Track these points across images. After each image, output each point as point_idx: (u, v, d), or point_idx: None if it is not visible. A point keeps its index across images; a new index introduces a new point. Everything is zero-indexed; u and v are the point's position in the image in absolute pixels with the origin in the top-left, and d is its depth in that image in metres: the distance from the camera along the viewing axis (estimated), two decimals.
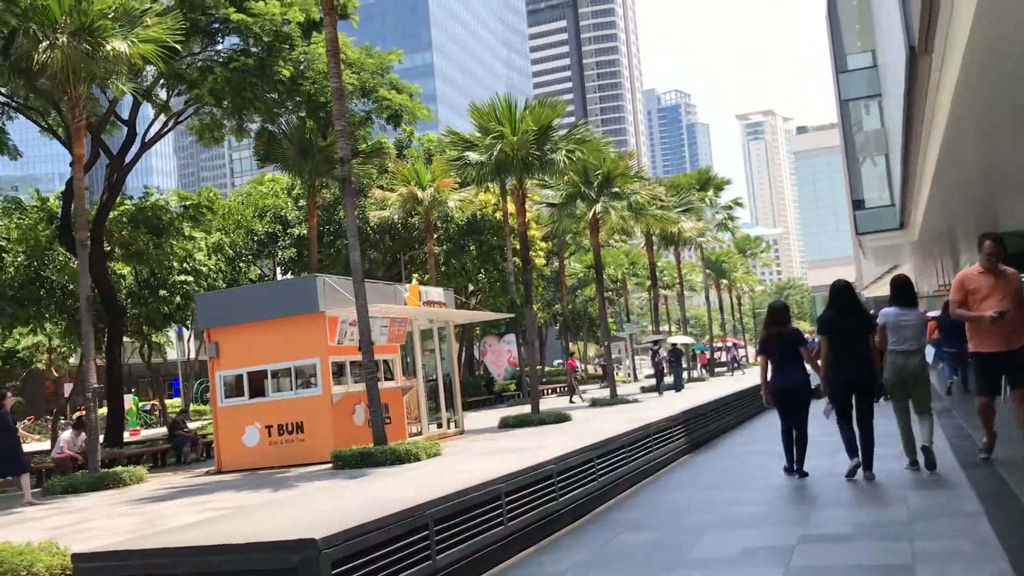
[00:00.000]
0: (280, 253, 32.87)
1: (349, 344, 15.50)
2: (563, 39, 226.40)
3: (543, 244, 41.77)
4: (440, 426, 18.94)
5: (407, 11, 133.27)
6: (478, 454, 11.46)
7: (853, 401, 8.42)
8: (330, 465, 13.99)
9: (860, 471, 8.36)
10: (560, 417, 19.92)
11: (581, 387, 45.91)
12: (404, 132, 34.71)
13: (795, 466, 8.87)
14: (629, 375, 60.24)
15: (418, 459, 13.30)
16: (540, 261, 41.55)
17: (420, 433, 17.88)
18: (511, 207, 34.14)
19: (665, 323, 72.63)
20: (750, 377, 33.19)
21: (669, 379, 33.27)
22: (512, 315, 28.49)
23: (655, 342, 39.77)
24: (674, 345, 36.07)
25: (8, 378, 41.78)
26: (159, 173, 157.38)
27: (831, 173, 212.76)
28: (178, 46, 16.58)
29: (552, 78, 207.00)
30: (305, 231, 33.44)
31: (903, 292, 8.76)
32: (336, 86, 14.20)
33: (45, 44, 14.62)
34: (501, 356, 52.42)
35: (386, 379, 17.55)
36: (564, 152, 20.45)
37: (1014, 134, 12.62)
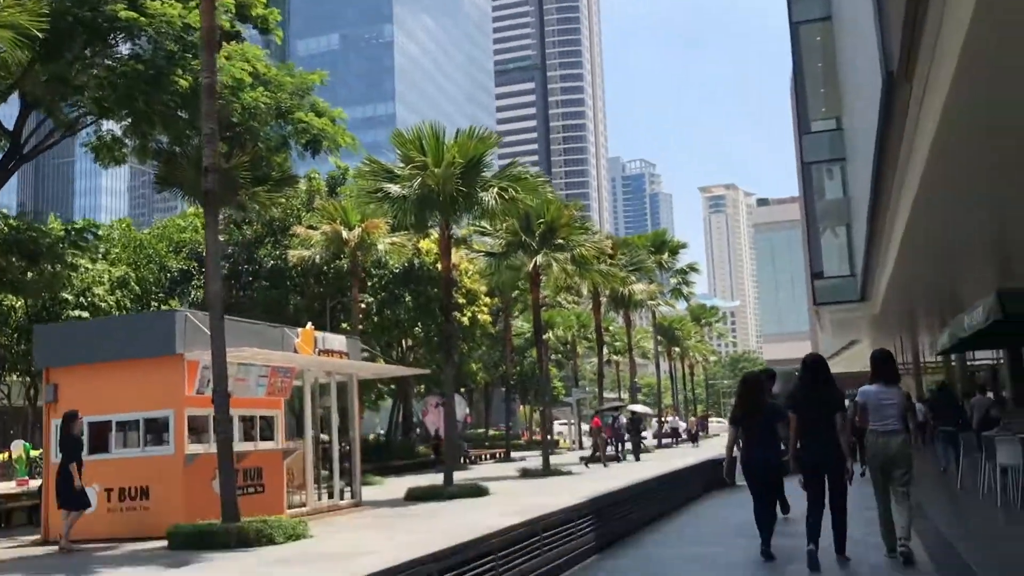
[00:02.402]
0: (194, 292, 30.05)
1: (211, 393, 12.85)
2: (531, 101, 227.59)
3: (488, 300, 39.41)
4: (332, 497, 16.22)
5: (373, 60, 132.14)
6: (313, 556, 8.70)
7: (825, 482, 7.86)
8: (166, 544, 11.26)
9: (834, 554, 7.75)
10: (477, 491, 17.33)
11: (520, 454, 43.31)
12: (339, 169, 32.45)
13: (765, 545, 8.30)
14: (575, 443, 57.57)
15: (272, 541, 10.65)
16: (485, 318, 39.11)
17: (304, 504, 15.17)
18: (452, 254, 31.95)
19: (614, 390, 70.39)
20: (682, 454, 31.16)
21: (611, 449, 31.42)
22: (428, 371, 25.97)
23: (615, 408, 38.04)
24: (633, 413, 34.51)
25: None
26: (108, 212, 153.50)
27: (790, 247, 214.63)
28: (40, 34, 14.09)
29: (517, 139, 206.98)
30: (224, 269, 30.81)
31: (885, 368, 8.09)
32: (207, 82, 11.84)
33: None
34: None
35: (263, 439, 14.90)
36: (496, 190, 18.20)
37: (994, 181, 10.90)
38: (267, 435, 15.02)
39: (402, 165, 18.55)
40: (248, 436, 14.63)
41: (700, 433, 54.63)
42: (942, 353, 19.23)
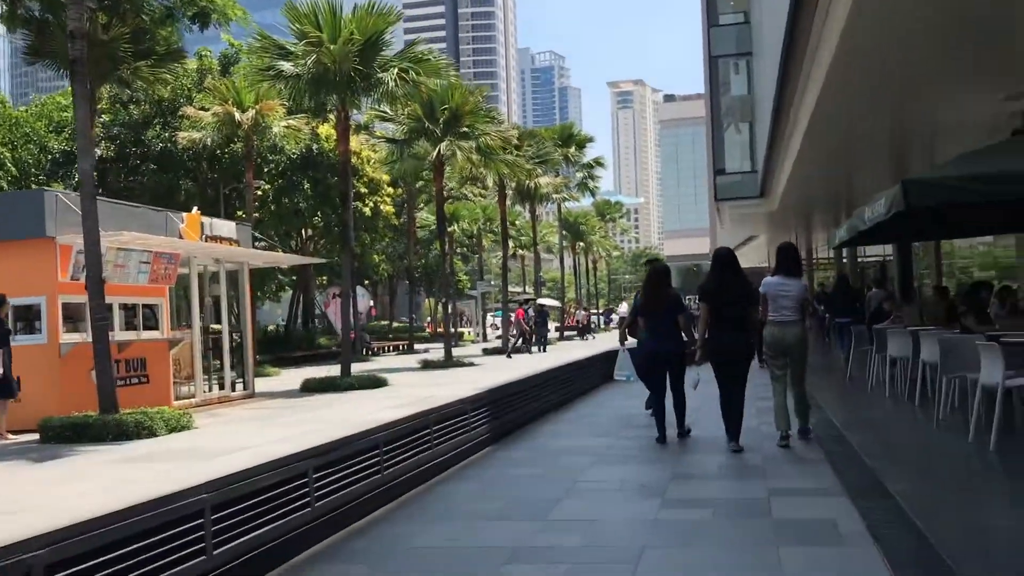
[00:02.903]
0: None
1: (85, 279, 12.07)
2: None
3: (391, 190, 38.52)
4: (223, 388, 15.73)
5: None
6: (185, 451, 8.22)
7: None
8: (37, 437, 10.66)
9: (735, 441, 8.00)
10: (374, 382, 17.08)
11: (423, 346, 43.37)
12: (232, 47, 30.69)
13: (679, 429, 8.58)
14: (479, 335, 57.96)
15: (153, 433, 10.16)
16: (388, 209, 38.29)
17: (193, 396, 14.65)
18: (352, 141, 30.88)
19: (519, 284, 70.81)
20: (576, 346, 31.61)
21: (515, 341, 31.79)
22: (323, 261, 25.35)
23: (525, 302, 38.55)
24: (542, 306, 35.03)
25: None
26: None
27: (694, 144, 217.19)
28: None
29: (424, 25, 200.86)
30: (110, 151, 29.13)
31: (787, 261, 8.27)
32: None
33: None
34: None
35: (147, 328, 14.23)
36: (396, 71, 17.35)
37: (899, 75, 10.84)
38: (151, 324, 14.35)
39: (296, 42, 17.47)
40: (131, 325, 13.96)
41: (593, 326, 55.69)
42: (839, 247, 19.59)
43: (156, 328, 14.36)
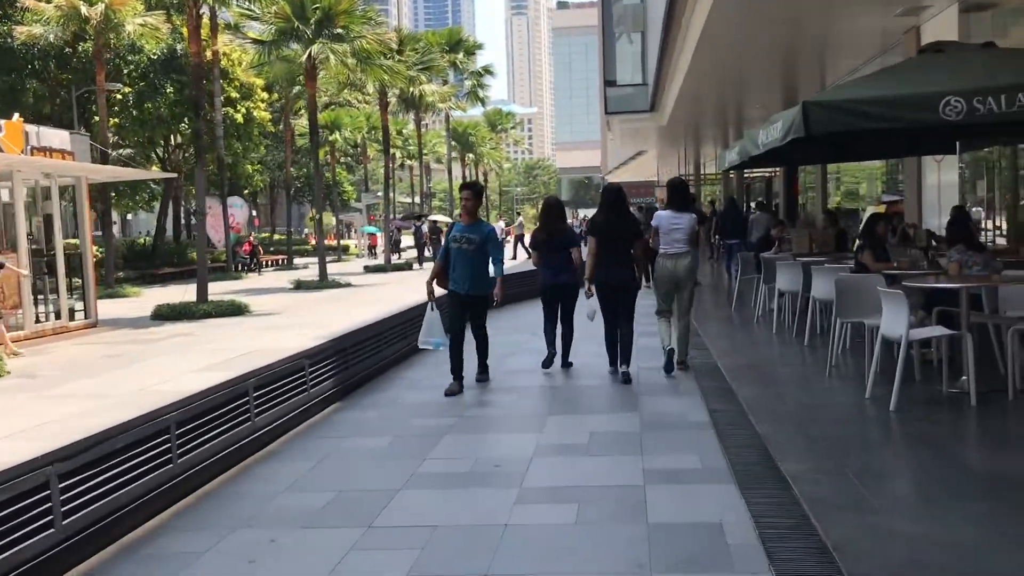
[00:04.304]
0: None
1: None
2: None
3: (266, 95, 36.14)
4: (59, 317, 14.11)
5: None
6: None
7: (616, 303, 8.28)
8: None
9: (618, 368, 8.24)
10: (233, 308, 15.83)
11: (303, 260, 41.69)
12: None
13: (563, 360, 8.90)
14: (363, 251, 56.29)
15: None
16: (263, 115, 35.94)
17: (22, 327, 13.05)
18: (219, 41, 28.52)
19: (408, 195, 69.05)
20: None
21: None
22: (174, 175, 23.48)
23: (419, 217, 37.82)
24: (435, 222, 34.23)
25: None
26: None
27: (587, 54, 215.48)
28: None
29: None
30: None
31: (677, 195, 8.65)
32: None
33: None
34: (221, 220, 46.57)
35: None
36: None
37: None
38: None
39: None
40: None
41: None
42: (727, 170, 19.05)
43: None
